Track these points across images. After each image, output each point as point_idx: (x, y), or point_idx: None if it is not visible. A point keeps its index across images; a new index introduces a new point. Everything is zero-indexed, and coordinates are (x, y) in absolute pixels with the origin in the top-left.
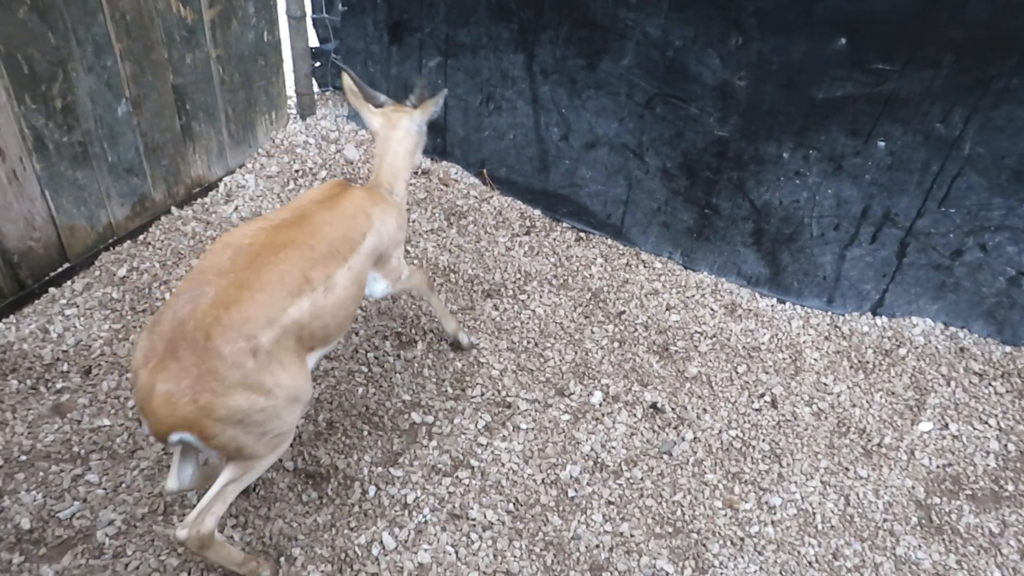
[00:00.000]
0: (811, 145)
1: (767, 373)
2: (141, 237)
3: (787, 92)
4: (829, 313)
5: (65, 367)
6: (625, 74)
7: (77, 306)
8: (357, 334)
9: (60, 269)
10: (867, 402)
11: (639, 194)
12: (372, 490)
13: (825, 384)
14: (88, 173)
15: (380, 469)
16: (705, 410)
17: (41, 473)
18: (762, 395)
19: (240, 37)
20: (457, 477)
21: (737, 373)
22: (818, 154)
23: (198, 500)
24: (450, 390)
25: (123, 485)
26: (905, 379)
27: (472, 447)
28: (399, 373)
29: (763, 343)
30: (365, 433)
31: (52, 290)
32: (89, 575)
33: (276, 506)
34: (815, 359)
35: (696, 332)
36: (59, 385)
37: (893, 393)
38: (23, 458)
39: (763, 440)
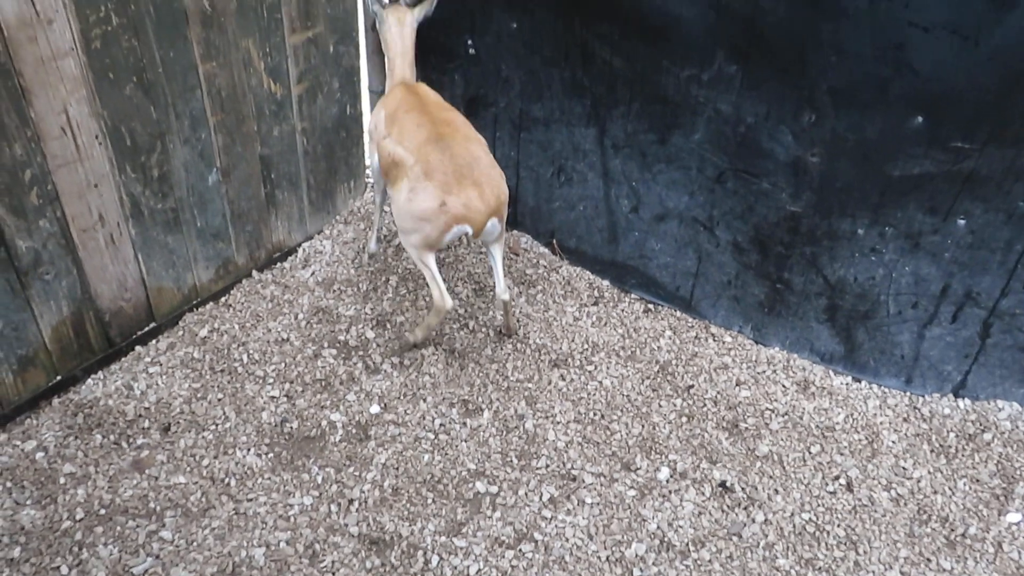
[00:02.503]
0: (887, 222)
1: (842, 454)
2: (223, 299)
3: (862, 169)
4: (908, 394)
5: (146, 423)
6: (696, 149)
7: (160, 364)
8: (424, 400)
9: (147, 328)
10: (950, 489)
11: (709, 267)
12: (435, 560)
13: (904, 468)
14: (178, 238)
15: (443, 539)
16: (777, 491)
17: (119, 527)
18: (837, 477)
19: (324, 111)
20: (520, 550)
21: (810, 453)
22: (894, 231)
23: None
24: (515, 460)
25: (195, 543)
26: (991, 466)
27: (536, 520)
28: (465, 441)
29: (838, 423)
30: (429, 501)
31: (138, 348)
32: None
33: (340, 572)
34: (893, 441)
35: (767, 409)
36: (140, 441)
37: (978, 480)
38: (102, 512)
39: (838, 525)
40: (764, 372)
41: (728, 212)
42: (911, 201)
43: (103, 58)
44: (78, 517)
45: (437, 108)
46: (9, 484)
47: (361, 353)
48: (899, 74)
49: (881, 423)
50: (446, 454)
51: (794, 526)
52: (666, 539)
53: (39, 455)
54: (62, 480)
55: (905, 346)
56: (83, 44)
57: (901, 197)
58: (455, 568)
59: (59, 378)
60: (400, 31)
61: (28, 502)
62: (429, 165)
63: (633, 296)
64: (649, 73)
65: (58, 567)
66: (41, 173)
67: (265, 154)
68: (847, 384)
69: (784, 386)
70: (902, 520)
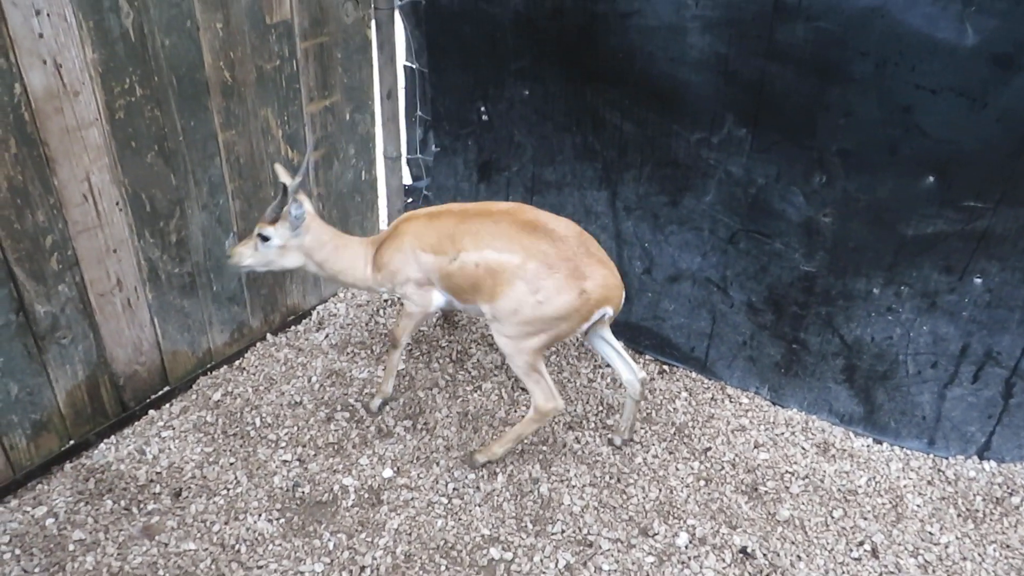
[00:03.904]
0: (903, 281)
1: (866, 519)
2: (237, 362)
3: (875, 229)
4: (931, 456)
5: (157, 488)
6: (708, 210)
7: (173, 428)
8: (438, 464)
9: (161, 392)
10: (979, 555)
11: (724, 328)
12: None
13: (931, 534)
14: (194, 302)
15: None
16: (799, 557)
17: None
18: (861, 543)
19: (340, 176)
20: None
21: (833, 518)
22: (910, 290)
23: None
24: (530, 526)
25: None
26: (1021, 531)
27: None
28: (479, 506)
29: (860, 486)
30: (443, 568)
31: (152, 412)
32: None
33: None
34: (918, 505)
35: (787, 472)
36: (150, 506)
37: (1008, 546)
38: None
39: None
40: (782, 434)
41: (741, 272)
42: (926, 260)
43: (126, 128)
44: None
45: (467, 208)
46: (18, 551)
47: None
48: (909, 135)
49: (905, 486)
50: (460, 519)
51: None
52: None
53: (49, 521)
54: (71, 547)
55: (926, 407)
56: (107, 114)
57: (916, 256)
58: None
59: (72, 443)
60: (321, 223)
61: (36, 570)
62: (545, 257)
63: (648, 357)
64: (659, 137)
65: None
66: (62, 239)
67: None
68: (868, 446)
69: (803, 448)
70: None
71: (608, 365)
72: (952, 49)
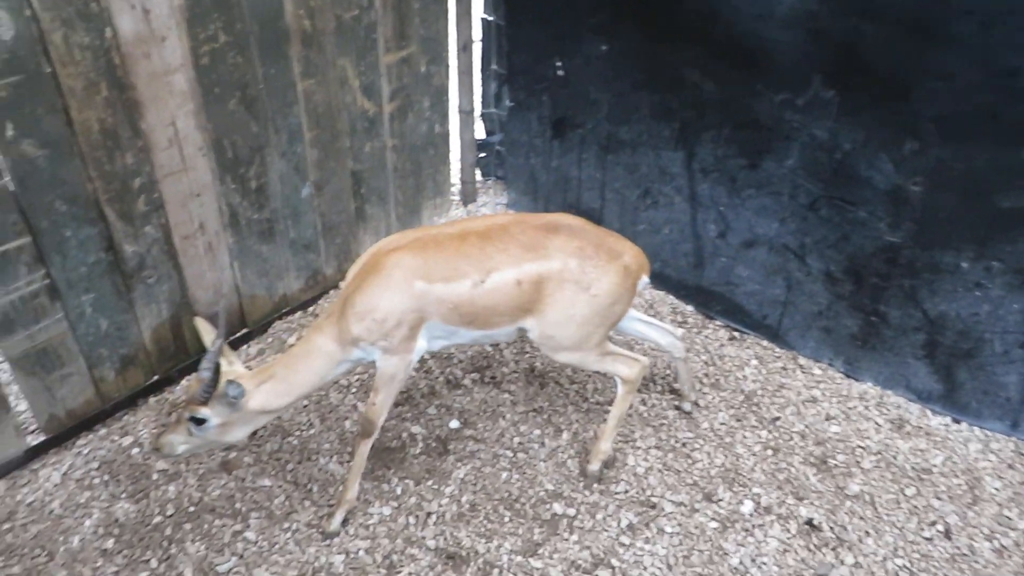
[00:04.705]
0: (995, 256)
1: (939, 499)
2: (311, 308)
3: (968, 200)
4: (1013, 439)
5: None
6: (789, 175)
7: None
8: (504, 418)
9: (239, 334)
10: None
11: (799, 296)
12: None
13: (1008, 518)
14: (272, 248)
15: (519, 558)
16: (868, 533)
17: (206, 526)
18: (933, 523)
19: (414, 129)
20: None
21: (905, 496)
22: (1002, 266)
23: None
24: (594, 484)
25: (277, 546)
26: None
27: (614, 546)
28: (543, 461)
29: (935, 465)
30: (506, 519)
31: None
32: None
33: None
34: (996, 489)
35: (859, 446)
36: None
37: None
38: (191, 509)
39: (934, 574)
40: (856, 408)
41: (821, 240)
42: (1021, 235)
43: (210, 74)
44: (168, 513)
45: (456, 229)
46: (107, 477)
47: (443, 366)
48: (1013, 101)
49: (983, 468)
50: (524, 473)
51: (886, 571)
52: (748, 575)
53: (135, 451)
54: (155, 476)
55: (1011, 388)
56: (192, 60)
57: (1011, 230)
58: None
59: (156, 378)
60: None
61: (123, 496)
62: (580, 251)
63: (718, 323)
64: (741, 97)
65: (148, 560)
66: (149, 181)
67: (356, 169)
68: (946, 425)
69: (877, 423)
70: (1005, 573)
71: (644, 342)
72: None
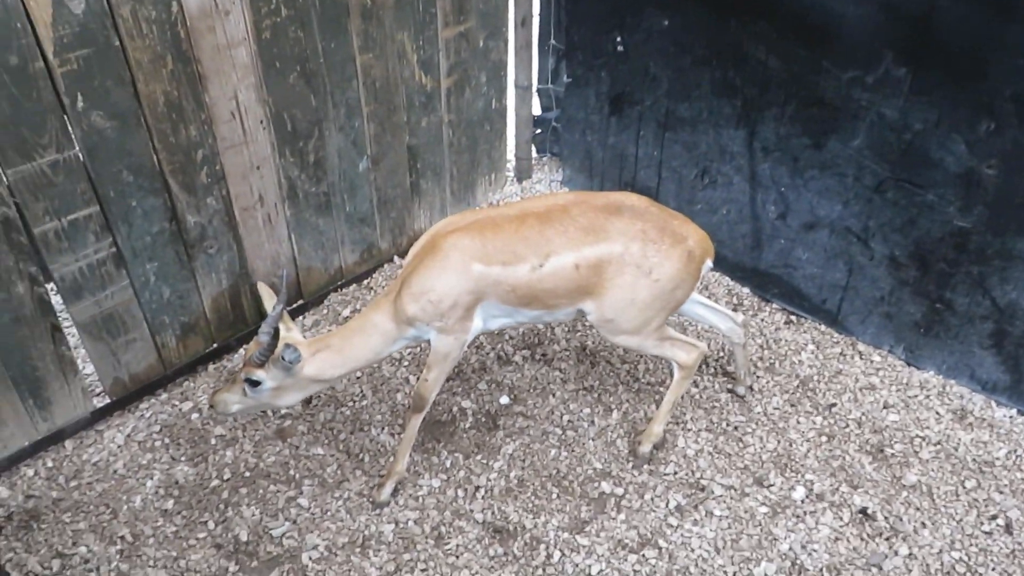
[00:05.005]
0: None
1: (1001, 493)
2: (365, 282)
3: None
4: None
5: None
6: (855, 155)
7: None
8: (553, 395)
9: (295, 305)
10: None
11: (860, 281)
12: (557, 555)
13: None
14: (328, 221)
15: (566, 535)
16: (924, 524)
17: (261, 491)
18: (994, 517)
19: (471, 104)
20: (644, 556)
21: (964, 488)
22: None
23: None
24: (643, 465)
25: (328, 513)
26: None
27: (661, 526)
28: (592, 440)
29: (998, 458)
30: (554, 496)
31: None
32: None
33: (463, 556)
34: None
35: (917, 436)
36: (283, 411)
37: None
38: (247, 474)
39: (993, 569)
40: (916, 396)
41: (886, 224)
42: None
43: (271, 48)
44: (225, 477)
45: (516, 210)
46: (167, 440)
47: (494, 342)
48: None
49: None
50: (573, 451)
51: (942, 564)
52: (798, 562)
53: (194, 416)
54: (213, 441)
55: None
56: (255, 34)
57: None
58: (576, 566)
59: (215, 346)
60: (316, 342)
61: (183, 459)
62: (643, 234)
63: (775, 306)
64: (807, 74)
65: (205, 522)
66: (211, 153)
67: (412, 144)
68: (1011, 417)
69: (938, 413)
70: None
71: (704, 325)
72: None
